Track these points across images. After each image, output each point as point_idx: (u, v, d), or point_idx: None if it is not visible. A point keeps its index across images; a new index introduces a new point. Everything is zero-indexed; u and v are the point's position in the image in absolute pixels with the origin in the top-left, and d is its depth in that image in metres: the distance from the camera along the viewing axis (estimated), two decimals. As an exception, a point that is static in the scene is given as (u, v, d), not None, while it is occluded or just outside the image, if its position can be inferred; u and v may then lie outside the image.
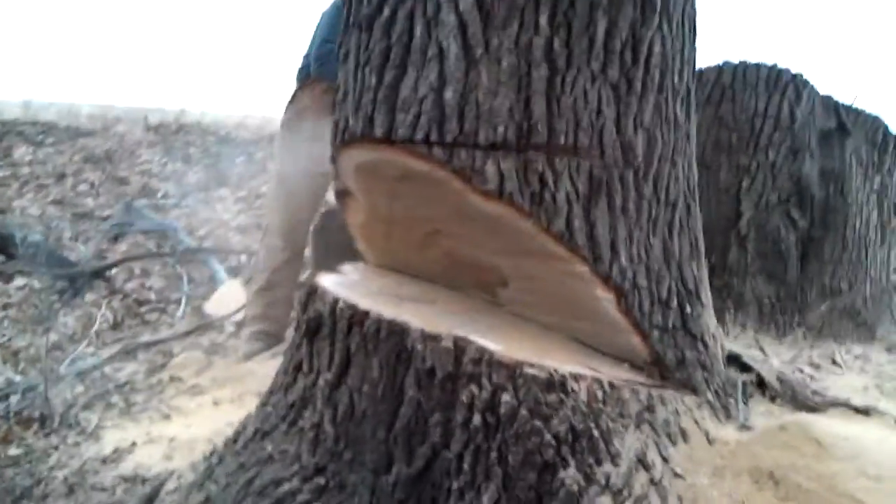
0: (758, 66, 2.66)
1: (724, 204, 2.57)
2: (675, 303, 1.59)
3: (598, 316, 1.58)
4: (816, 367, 1.99)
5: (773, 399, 1.71)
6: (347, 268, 1.98)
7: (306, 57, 3.35)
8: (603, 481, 1.44)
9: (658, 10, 1.50)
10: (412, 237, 1.82)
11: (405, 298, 1.73)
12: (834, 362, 2.05)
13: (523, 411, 1.42)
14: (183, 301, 4.09)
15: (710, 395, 1.61)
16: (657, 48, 1.52)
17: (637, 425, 1.51)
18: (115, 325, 3.87)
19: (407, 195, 1.69)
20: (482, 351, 1.46)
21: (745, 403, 1.65)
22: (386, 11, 1.51)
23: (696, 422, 1.57)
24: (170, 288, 4.45)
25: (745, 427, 1.58)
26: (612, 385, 1.48)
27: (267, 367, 2.86)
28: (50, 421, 2.51)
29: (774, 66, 2.64)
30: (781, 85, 2.57)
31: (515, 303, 1.73)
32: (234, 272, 4.53)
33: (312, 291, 1.73)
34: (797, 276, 2.49)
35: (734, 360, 1.78)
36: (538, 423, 1.42)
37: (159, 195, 7.05)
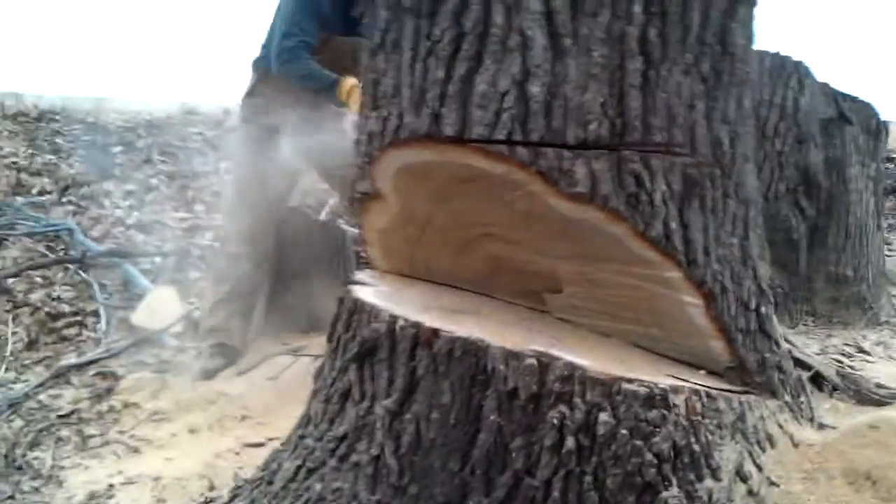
0: (762, 54, 2.65)
1: (731, 194, 2.53)
2: (753, 304, 1.53)
3: (677, 321, 1.49)
4: (848, 356, 2.01)
5: (831, 394, 1.69)
6: (365, 276, 1.80)
7: (265, 47, 3.06)
8: (706, 498, 1.36)
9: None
10: (451, 242, 1.67)
11: (453, 311, 1.59)
12: (861, 350, 2.08)
13: (623, 430, 1.32)
14: (102, 313, 3.69)
15: (787, 397, 1.56)
16: (740, 40, 1.44)
17: (732, 435, 1.44)
18: (31, 344, 3.43)
19: (461, 198, 1.53)
20: (571, 367, 1.34)
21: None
22: (456, -4, 1.35)
23: (780, 426, 1.52)
24: (81, 298, 4.00)
25: (823, 426, 1.55)
26: (709, 395, 1.40)
27: (237, 387, 2.61)
28: (-7, 464, 2.17)
29: (778, 54, 2.65)
30: (786, 73, 2.58)
31: (567, 309, 1.62)
32: (150, 277, 4.13)
33: (356, 309, 1.55)
34: (806, 264, 2.53)
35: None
36: (639, 442, 1.32)
37: (35, 191, 6.40)
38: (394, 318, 1.45)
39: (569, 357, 1.36)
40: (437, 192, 1.56)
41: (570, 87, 1.32)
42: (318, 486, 1.50)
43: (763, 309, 1.56)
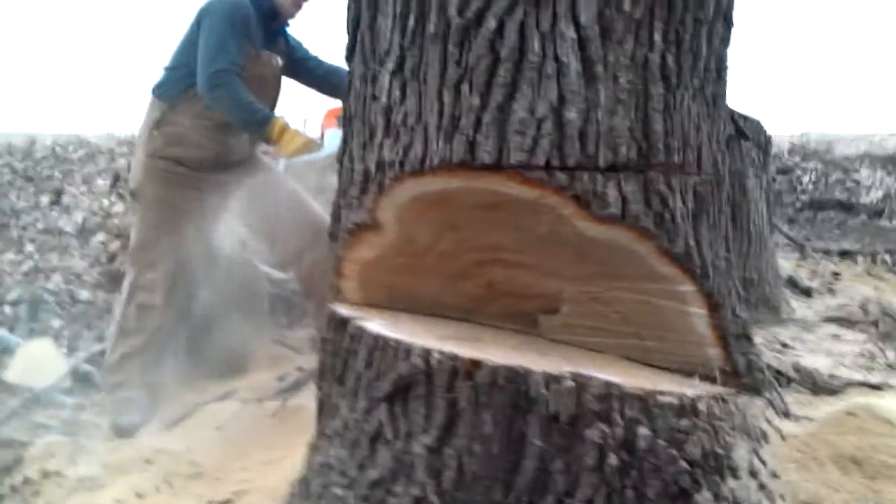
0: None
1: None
2: (738, 311, 1.65)
3: (678, 332, 1.57)
4: (779, 351, 2.21)
5: (786, 386, 1.85)
6: (347, 310, 1.72)
7: (172, 70, 2.78)
8: (731, 497, 1.45)
9: (731, 28, 1.55)
10: (449, 269, 1.65)
11: (462, 340, 1.57)
12: (785, 346, 2.29)
13: (661, 442, 1.37)
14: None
15: (767, 394, 1.70)
16: (727, 64, 1.56)
17: (741, 435, 1.54)
18: None
19: (475, 224, 1.52)
20: (607, 385, 1.38)
21: (779, 396, 1.77)
22: (491, 23, 1.34)
23: (769, 421, 1.65)
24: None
25: (798, 419, 1.70)
26: (723, 399, 1.49)
27: (174, 441, 2.34)
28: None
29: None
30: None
31: (560, 330, 1.65)
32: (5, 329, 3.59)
33: (377, 345, 1.49)
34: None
35: (745, 356, 1.89)
36: (674, 451, 1.38)
37: None
38: (427, 352, 1.41)
39: (601, 376, 1.40)
40: (447, 219, 1.54)
41: (601, 112, 1.37)
42: (355, 536, 1.42)
43: (743, 315, 1.68)
